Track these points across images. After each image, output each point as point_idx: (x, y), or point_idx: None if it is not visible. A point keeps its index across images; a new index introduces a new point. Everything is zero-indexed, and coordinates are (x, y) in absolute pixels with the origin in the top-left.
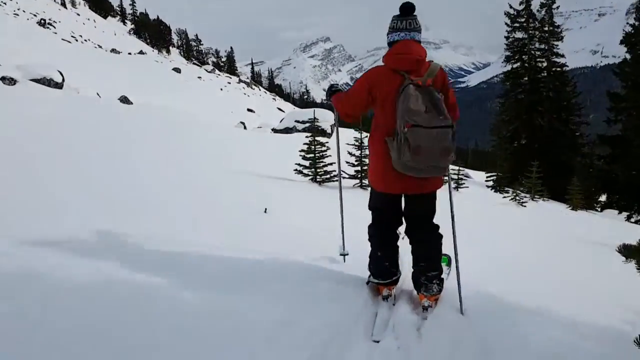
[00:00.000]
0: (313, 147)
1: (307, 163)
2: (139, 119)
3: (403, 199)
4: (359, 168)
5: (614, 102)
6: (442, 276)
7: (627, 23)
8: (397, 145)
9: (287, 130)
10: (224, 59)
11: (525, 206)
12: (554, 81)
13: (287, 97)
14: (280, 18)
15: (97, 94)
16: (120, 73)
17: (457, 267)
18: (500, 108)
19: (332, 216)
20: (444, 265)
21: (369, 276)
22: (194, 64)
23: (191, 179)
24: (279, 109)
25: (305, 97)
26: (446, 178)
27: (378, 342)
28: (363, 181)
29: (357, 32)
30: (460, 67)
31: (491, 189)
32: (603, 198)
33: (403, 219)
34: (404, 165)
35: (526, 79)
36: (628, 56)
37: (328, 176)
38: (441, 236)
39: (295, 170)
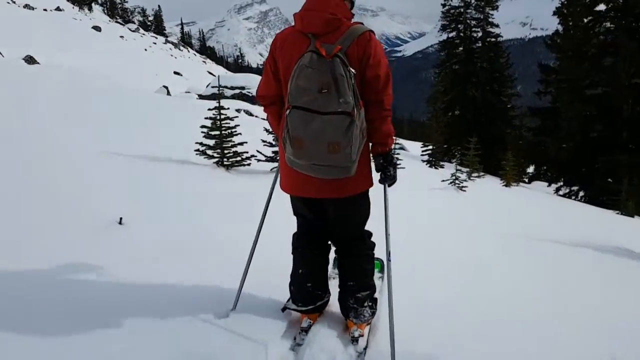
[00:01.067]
0: (219, 121)
1: (211, 142)
2: (35, 81)
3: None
4: (277, 149)
5: (544, 74)
6: (376, 295)
7: None
8: (284, 134)
9: (214, 96)
10: (151, 18)
11: (465, 190)
12: (489, 52)
13: (219, 61)
14: None
15: (0, 53)
16: (32, 31)
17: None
18: (436, 78)
19: (235, 222)
20: (376, 271)
21: (288, 300)
22: (116, 22)
23: (37, 170)
24: (210, 73)
25: (240, 60)
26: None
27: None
28: None
29: None
30: (397, 37)
31: (427, 164)
32: (531, 169)
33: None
34: (289, 160)
35: (461, 49)
36: (560, 28)
37: (238, 158)
38: (373, 246)
39: (197, 151)
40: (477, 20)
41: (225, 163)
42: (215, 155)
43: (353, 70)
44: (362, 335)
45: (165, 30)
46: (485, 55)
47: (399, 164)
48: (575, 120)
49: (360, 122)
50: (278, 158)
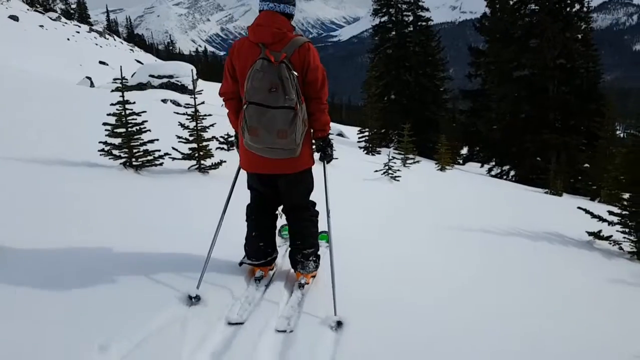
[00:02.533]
0: (124, 117)
1: (117, 140)
2: None
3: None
4: (195, 145)
5: (474, 56)
6: (319, 253)
7: None
8: (242, 124)
9: (141, 87)
10: (74, 6)
11: (398, 180)
12: (420, 36)
13: (149, 48)
14: None
15: None
16: None
17: (330, 253)
18: (370, 63)
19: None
20: (323, 242)
21: (243, 257)
22: (35, 10)
23: None
24: (138, 61)
25: (171, 47)
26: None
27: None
28: (202, 162)
29: None
30: (331, 21)
31: (364, 150)
32: (465, 151)
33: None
34: (247, 144)
35: (394, 33)
36: (488, 11)
37: (149, 158)
38: (316, 214)
39: (101, 151)
40: (407, 4)
41: (134, 163)
42: (122, 155)
43: (296, 74)
44: (307, 283)
45: (89, 18)
46: (417, 39)
47: (335, 157)
48: (504, 101)
49: (302, 114)
50: (196, 155)
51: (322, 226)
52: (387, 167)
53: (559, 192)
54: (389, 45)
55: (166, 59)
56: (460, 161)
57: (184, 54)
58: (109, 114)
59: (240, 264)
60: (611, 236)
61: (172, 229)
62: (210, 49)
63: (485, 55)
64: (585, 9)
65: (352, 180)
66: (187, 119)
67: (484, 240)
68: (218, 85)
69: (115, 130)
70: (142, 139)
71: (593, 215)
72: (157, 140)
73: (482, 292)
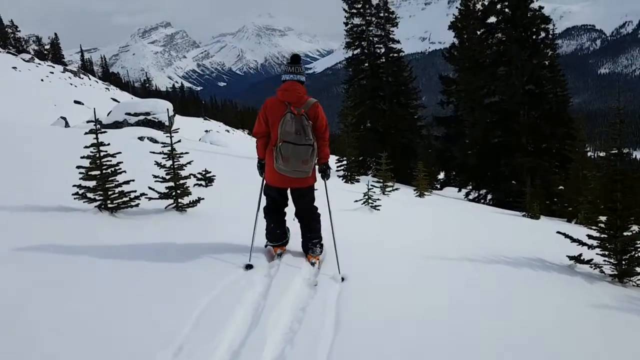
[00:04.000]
0: (99, 160)
1: (92, 183)
2: None
3: (290, 193)
4: (172, 184)
5: (445, 85)
6: (322, 242)
7: (452, 12)
8: (275, 153)
9: (117, 125)
10: (48, 47)
11: (378, 209)
12: (392, 67)
13: (125, 86)
14: (108, 2)
15: None
16: None
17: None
18: (345, 94)
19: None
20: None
21: (267, 242)
22: (8, 52)
23: None
24: (114, 100)
25: (147, 85)
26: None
27: (251, 267)
28: (180, 201)
29: (199, 18)
30: (306, 54)
31: (342, 179)
32: (442, 175)
33: (291, 202)
34: (278, 168)
35: (367, 64)
36: (456, 41)
37: (125, 199)
38: (319, 215)
39: (75, 194)
40: (379, 37)
41: (109, 206)
42: (96, 197)
43: (310, 122)
44: (315, 263)
45: (64, 58)
46: (390, 70)
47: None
48: (476, 127)
49: (315, 149)
50: (173, 194)
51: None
52: (366, 197)
53: (536, 215)
54: (363, 77)
55: (143, 96)
56: (438, 186)
57: (160, 91)
58: (82, 157)
59: (266, 245)
60: (592, 260)
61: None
62: (187, 84)
63: (455, 83)
64: (550, 36)
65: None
66: (163, 157)
67: (465, 267)
68: (195, 120)
69: (89, 173)
70: (117, 180)
71: (573, 240)
72: (133, 180)
73: (459, 316)
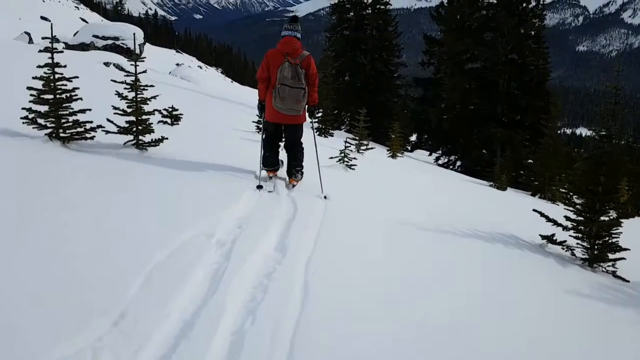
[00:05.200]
0: (52, 81)
1: (44, 108)
2: None
3: (284, 129)
4: (133, 118)
5: (429, 45)
6: (303, 171)
7: None
8: (274, 94)
9: (83, 47)
10: None
11: (353, 169)
12: (378, 19)
13: (96, 7)
14: None
15: None
16: None
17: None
18: (327, 43)
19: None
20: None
21: (261, 167)
22: None
23: None
24: (83, 20)
25: (119, 8)
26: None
27: (261, 187)
28: (141, 138)
29: None
30: None
31: (317, 132)
32: (413, 137)
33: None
34: (276, 106)
35: (352, 14)
36: (445, 0)
37: (80, 129)
38: (303, 149)
39: (24, 119)
40: None
41: (61, 135)
42: (48, 125)
43: (303, 70)
44: (294, 185)
45: None
46: (375, 22)
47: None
48: (455, 92)
49: (306, 92)
50: (134, 130)
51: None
52: (342, 155)
53: (503, 186)
54: (347, 26)
55: (114, 19)
56: (409, 147)
57: (133, 16)
58: (34, 77)
59: (261, 169)
60: (565, 241)
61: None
62: (161, 12)
63: (439, 45)
64: (540, 6)
65: (306, 167)
66: (125, 88)
67: (438, 239)
68: (167, 52)
69: (41, 97)
70: (72, 108)
71: (548, 219)
72: (90, 110)
73: (431, 297)
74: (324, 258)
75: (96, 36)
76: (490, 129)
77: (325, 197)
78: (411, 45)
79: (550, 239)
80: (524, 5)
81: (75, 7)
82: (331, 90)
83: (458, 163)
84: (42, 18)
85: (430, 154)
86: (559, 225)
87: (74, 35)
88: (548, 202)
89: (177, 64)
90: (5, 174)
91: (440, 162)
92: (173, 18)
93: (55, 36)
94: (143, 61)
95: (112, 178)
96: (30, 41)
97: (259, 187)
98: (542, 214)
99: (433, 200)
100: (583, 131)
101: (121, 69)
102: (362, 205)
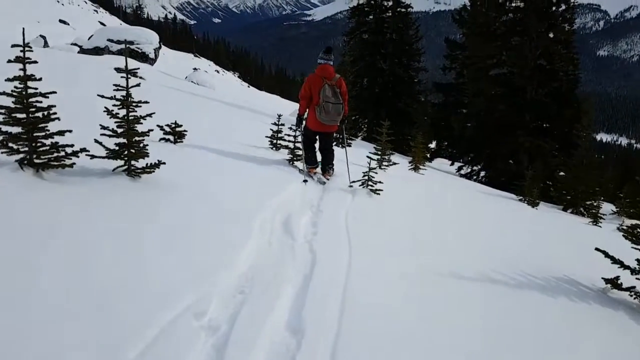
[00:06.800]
0: (24, 97)
1: (16, 129)
2: None
3: (319, 135)
4: (124, 140)
5: (450, 49)
6: (334, 167)
7: None
8: (319, 110)
9: (97, 51)
10: None
11: (378, 193)
12: (398, 22)
13: (116, 11)
14: None
15: None
16: None
17: (347, 167)
18: (345, 47)
19: None
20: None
21: (305, 165)
22: None
23: None
24: (101, 23)
25: (139, 12)
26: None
27: (306, 182)
28: (133, 163)
29: None
30: (307, 0)
31: (334, 143)
32: (432, 145)
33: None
34: (320, 119)
35: (371, 17)
36: (467, 3)
37: (57, 154)
38: (334, 150)
39: None
40: None
41: (35, 161)
42: (20, 148)
43: (338, 89)
44: (328, 179)
45: None
46: (395, 26)
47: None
48: (479, 98)
49: (343, 106)
50: (125, 153)
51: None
52: (366, 177)
53: (535, 201)
54: (366, 30)
55: (133, 23)
56: (428, 155)
57: (152, 20)
58: (1, 93)
59: (305, 167)
60: (633, 287)
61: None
62: (180, 16)
63: (461, 49)
64: (570, 10)
65: (321, 190)
66: (114, 105)
67: (484, 292)
68: (186, 56)
69: (12, 115)
70: (48, 130)
71: (614, 260)
72: (70, 131)
73: None
74: (352, 342)
75: (111, 40)
76: (518, 137)
77: (351, 186)
78: (430, 49)
79: (614, 283)
80: (554, 9)
81: (95, 10)
82: (349, 97)
83: (482, 173)
84: (61, 21)
85: (452, 164)
86: (626, 267)
87: (89, 39)
88: (589, 222)
89: (194, 69)
90: None
91: (462, 172)
92: (192, 22)
93: (28, 43)
94: (136, 72)
95: (81, 217)
96: (46, 45)
97: (305, 181)
98: (606, 254)
99: (469, 233)
100: (604, 137)
101: (134, 75)
102: (392, 247)
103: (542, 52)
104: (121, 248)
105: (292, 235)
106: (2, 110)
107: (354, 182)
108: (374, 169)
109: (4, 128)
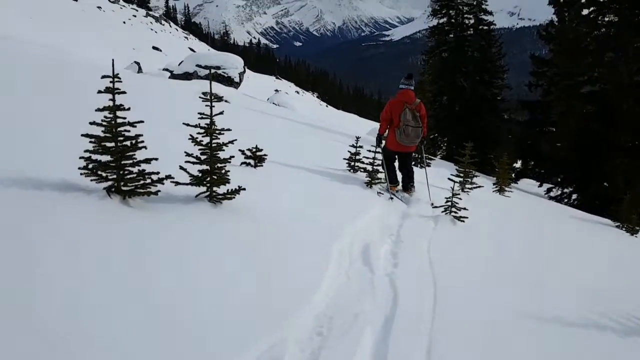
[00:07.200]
0: (114, 127)
1: (105, 158)
2: None
3: (398, 155)
4: (207, 167)
5: (537, 66)
6: (414, 185)
7: None
8: (399, 132)
9: (187, 76)
10: None
11: (463, 220)
12: (480, 40)
13: (204, 37)
14: None
15: None
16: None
17: (428, 190)
18: (424, 66)
19: None
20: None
21: (387, 184)
22: None
23: None
24: (191, 49)
25: (225, 38)
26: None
27: (392, 198)
28: (214, 189)
29: None
30: (385, 20)
31: (412, 163)
32: (518, 164)
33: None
34: (400, 140)
35: (452, 36)
36: (555, 18)
37: (143, 181)
38: (413, 169)
39: (83, 169)
40: (469, 7)
41: (122, 188)
42: (109, 176)
43: (418, 113)
44: (411, 196)
45: (149, 3)
46: (477, 44)
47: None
48: (569, 116)
49: (422, 129)
50: (207, 180)
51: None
52: (449, 204)
53: (635, 228)
54: (446, 49)
55: (220, 49)
56: (513, 175)
57: (238, 45)
58: (92, 123)
59: (387, 185)
60: None
61: None
62: (264, 41)
63: (548, 65)
64: None
65: (401, 216)
66: (198, 133)
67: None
68: (267, 78)
69: (102, 144)
70: (135, 158)
71: None
72: (157, 159)
73: None
74: None
75: (199, 65)
76: (613, 158)
77: (432, 205)
78: (513, 65)
79: None
80: None
81: (185, 37)
82: (428, 117)
83: (573, 196)
84: (154, 48)
85: (540, 185)
86: None
87: (179, 64)
88: None
89: (276, 90)
90: (49, 242)
91: (552, 194)
92: (275, 46)
93: (117, 74)
94: (220, 100)
95: (171, 245)
96: (140, 70)
97: (391, 198)
98: None
99: (569, 269)
100: None
101: (219, 99)
102: (482, 285)
103: (639, 68)
104: (202, 278)
105: (371, 267)
106: (93, 140)
107: (436, 207)
108: (458, 194)
109: (94, 156)
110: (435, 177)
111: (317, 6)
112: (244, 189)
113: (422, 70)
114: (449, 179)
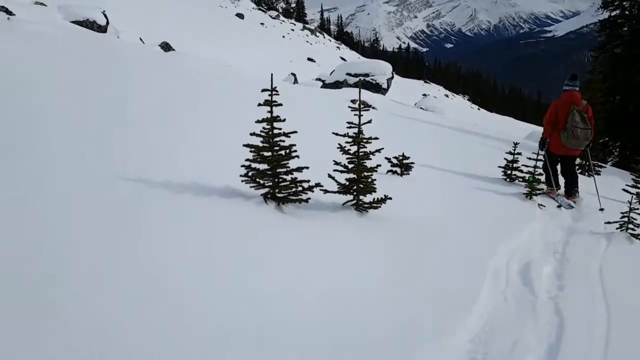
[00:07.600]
0: (271, 138)
1: (263, 166)
2: (152, 68)
3: (561, 158)
4: (354, 176)
5: None
6: (578, 190)
7: None
8: (566, 134)
9: (337, 85)
10: (293, 5)
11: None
12: None
13: (355, 46)
14: None
15: (140, 39)
16: (177, 17)
17: (599, 201)
18: (593, 63)
19: None
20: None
21: (547, 187)
22: (259, 9)
23: None
24: (342, 58)
25: (375, 45)
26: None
27: (560, 207)
28: (361, 198)
29: None
30: (547, 15)
31: (578, 168)
32: None
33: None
34: (567, 143)
35: (626, 29)
36: None
37: (295, 188)
38: (577, 173)
39: (244, 176)
40: None
41: (277, 195)
42: (265, 183)
43: (585, 114)
44: (575, 201)
45: (306, 17)
46: None
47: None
48: None
49: (591, 132)
50: (354, 188)
51: None
52: (626, 219)
53: None
54: (619, 43)
55: (370, 56)
56: None
57: (387, 51)
58: (252, 134)
59: (548, 188)
60: None
61: None
62: (413, 45)
63: None
64: None
65: (566, 231)
66: (347, 142)
67: None
68: (415, 83)
69: (261, 154)
70: (289, 166)
71: None
72: (308, 168)
73: None
74: None
75: (349, 74)
76: None
77: (601, 209)
78: None
79: None
80: None
81: (337, 47)
82: (599, 119)
83: None
84: (309, 59)
85: None
86: None
87: (330, 74)
88: None
89: (423, 95)
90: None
91: None
92: (424, 49)
93: (275, 87)
94: (368, 109)
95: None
96: (295, 81)
97: (559, 206)
98: None
99: None
100: None
101: (367, 106)
102: None
103: None
104: (353, 292)
105: (532, 289)
106: (252, 149)
107: (609, 222)
108: (636, 208)
109: (253, 165)
110: (606, 186)
111: (471, 5)
112: (390, 198)
113: (591, 68)
114: (623, 190)
